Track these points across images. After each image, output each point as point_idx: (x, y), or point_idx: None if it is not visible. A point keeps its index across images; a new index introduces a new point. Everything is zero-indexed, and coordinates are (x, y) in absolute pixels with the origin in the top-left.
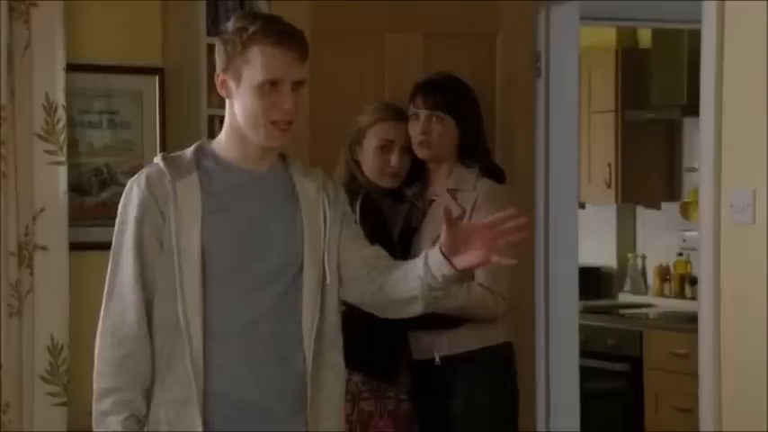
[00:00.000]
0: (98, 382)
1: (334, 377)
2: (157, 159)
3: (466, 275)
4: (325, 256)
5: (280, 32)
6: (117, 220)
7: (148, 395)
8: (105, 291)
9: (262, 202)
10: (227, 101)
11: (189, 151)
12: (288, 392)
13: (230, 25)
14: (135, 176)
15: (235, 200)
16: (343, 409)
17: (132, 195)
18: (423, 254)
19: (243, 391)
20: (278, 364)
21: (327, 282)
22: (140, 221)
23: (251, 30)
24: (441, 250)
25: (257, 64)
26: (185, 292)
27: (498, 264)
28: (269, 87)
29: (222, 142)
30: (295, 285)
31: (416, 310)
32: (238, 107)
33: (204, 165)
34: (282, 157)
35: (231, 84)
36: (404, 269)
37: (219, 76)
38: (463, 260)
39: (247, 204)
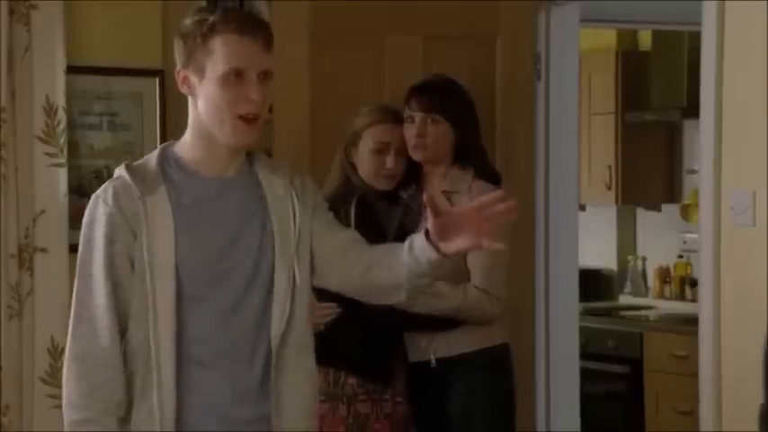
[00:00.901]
0: (69, 414)
1: (303, 382)
2: (121, 171)
3: (458, 273)
4: (295, 259)
5: (242, 20)
6: (82, 235)
7: (124, 422)
8: (72, 314)
9: (232, 213)
10: (189, 99)
11: (153, 159)
12: (254, 397)
13: (188, 19)
14: (99, 191)
15: (206, 213)
16: (314, 414)
17: (98, 212)
18: (407, 241)
19: (222, 410)
20: (248, 371)
21: (297, 284)
22: (110, 240)
23: (211, 20)
24: (426, 236)
25: (220, 54)
26: (158, 314)
27: (490, 248)
28: (234, 78)
29: (187, 144)
30: (268, 291)
31: (400, 297)
32: (202, 103)
33: (170, 175)
34: (248, 154)
35: (193, 79)
36: (387, 256)
37: (180, 73)
38: (452, 246)
39: (219, 217)
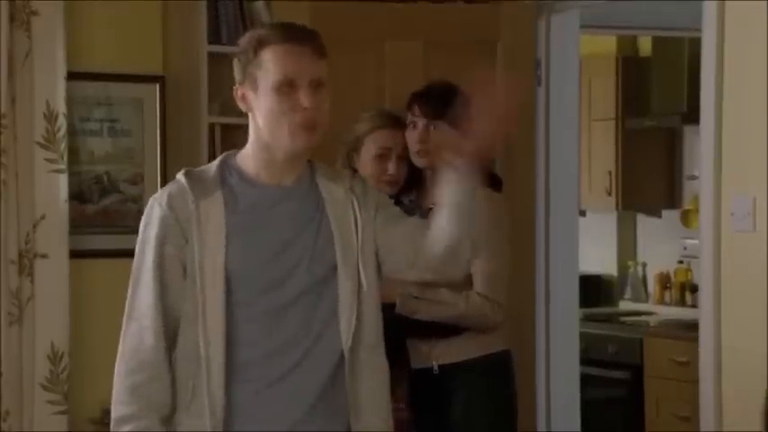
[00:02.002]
0: (114, 410)
1: (379, 383)
2: (180, 176)
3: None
4: (360, 264)
5: (289, 30)
6: (138, 239)
7: (169, 422)
8: (126, 311)
9: (288, 221)
10: (249, 115)
11: (213, 166)
12: (308, 400)
13: (242, 38)
14: (157, 194)
15: (260, 220)
16: (389, 411)
17: (153, 214)
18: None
19: (272, 414)
20: (308, 383)
21: (364, 289)
22: (162, 241)
23: (261, 34)
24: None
25: (270, 65)
26: (207, 318)
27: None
28: (286, 87)
29: (248, 156)
30: (329, 300)
31: (465, 252)
32: (260, 116)
33: (228, 181)
34: (309, 163)
35: (249, 94)
36: (434, 222)
37: (237, 91)
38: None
39: (273, 224)
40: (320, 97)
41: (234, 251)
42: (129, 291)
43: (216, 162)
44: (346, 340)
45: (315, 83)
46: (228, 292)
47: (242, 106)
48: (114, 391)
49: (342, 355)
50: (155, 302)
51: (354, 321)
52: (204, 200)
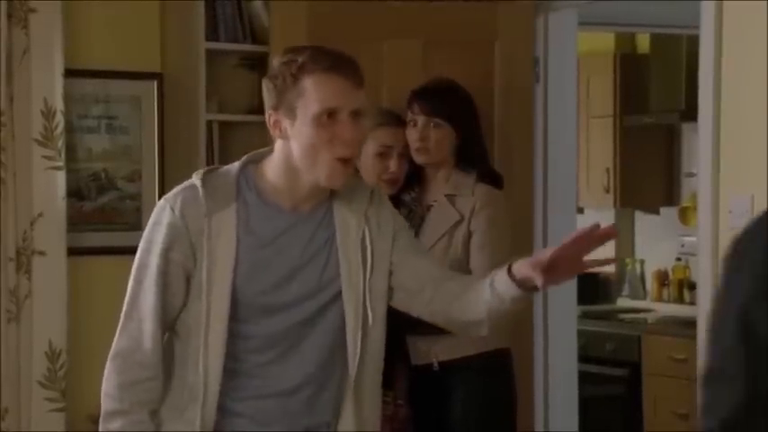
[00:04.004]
0: (105, 404)
1: (373, 415)
2: (197, 180)
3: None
4: (367, 299)
5: (333, 59)
6: (144, 235)
7: (156, 417)
8: (125, 308)
9: (299, 248)
10: (278, 141)
11: (233, 173)
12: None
13: (276, 61)
14: (170, 195)
15: (271, 243)
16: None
17: (164, 216)
18: (489, 278)
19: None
20: (300, 400)
21: (369, 323)
22: (169, 247)
23: (300, 60)
24: (508, 273)
25: (312, 94)
26: (210, 334)
27: (596, 264)
28: (326, 118)
29: (271, 172)
30: (332, 331)
31: (481, 332)
32: (296, 145)
33: (244, 195)
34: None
35: (285, 122)
36: (467, 292)
37: (271, 116)
38: (556, 280)
39: (284, 249)
40: (360, 128)
41: (242, 271)
42: (131, 288)
43: (236, 168)
44: (352, 370)
45: (355, 113)
46: (233, 310)
47: (274, 133)
48: (105, 385)
49: (340, 385)
50: (156, 307)
51: (359, 353)
52: (217, 213)
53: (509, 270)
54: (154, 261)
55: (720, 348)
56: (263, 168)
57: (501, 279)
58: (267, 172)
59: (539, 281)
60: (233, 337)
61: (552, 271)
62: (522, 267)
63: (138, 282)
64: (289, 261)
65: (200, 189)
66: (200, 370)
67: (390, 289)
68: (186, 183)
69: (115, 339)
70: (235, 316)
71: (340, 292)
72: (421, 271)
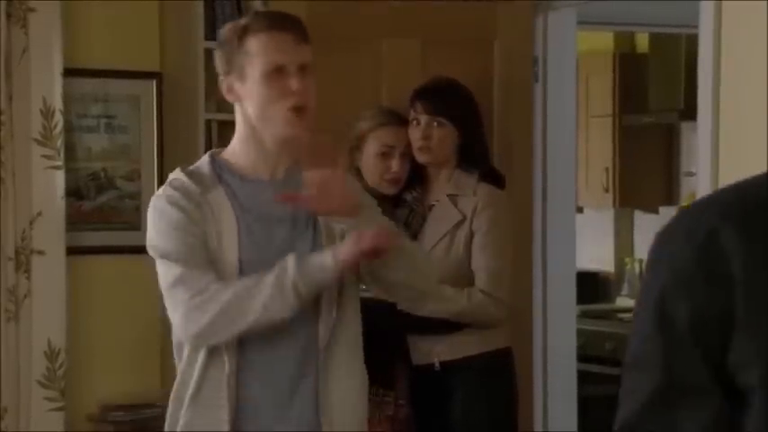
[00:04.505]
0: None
1: (355, 385)
2: (177, 173)
3: (462, 276)
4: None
5: (273, 18)
6: (152, 230)
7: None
8: (166, 289)
9: (286, 216)
10: (235, 106)
11: (204, 164)
12: (296, 396)
13: (224, 29)
14: (159, 191)
15: (263, 216)
16: (365, 421)
17: (163, 203)
18: None
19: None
20: (296, 376)
21: (344, 283)
22: (184, 223)
23: (243, 23)
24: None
25: (256, 53)
26: None
27: None
28: (275, 74)
29: (235, 151)
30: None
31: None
32: (249, 105)
33: (224, 178)
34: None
35: (237, 84)
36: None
37: (224, 82)
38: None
39: (274, 220)
40: (308, 81)
41: (244, 244)
42: (169, 278)
43: (205, 160)
44: (324, 336)
45: (302, 67)
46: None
47: (229, 97)
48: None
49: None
50: (203, 270)
51: (334, 315)
52: (210, 193)
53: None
54: (175, 244)
55: (640, 336)
56: (228, 152)
57: None
58: (233, 153)
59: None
60: None
61: None
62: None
63: (167, 267)
64: (283, 228)
65: (185, 177)
66: (223, 350)
67: None
68: (168, 180)
69: (178, 308)
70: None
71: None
72: None
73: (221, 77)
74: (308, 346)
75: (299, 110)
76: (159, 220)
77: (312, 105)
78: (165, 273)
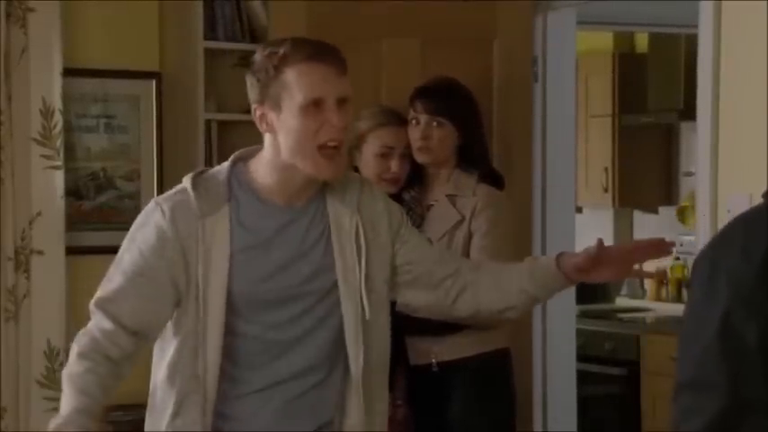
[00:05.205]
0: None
1: (380, 411)
2: (188, 184)
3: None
4: (363, 292)
5: (313, 47)
6: (129, 233)
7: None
8: (101, 292)
9: (293, 243)
10: (266, 135)
11: (223, 173)
12: (304, 418)
13: (257, 55)
14: (161, 198)
15: (265, 239)
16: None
17: (153, 218)
18: (524, 266)
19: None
20: (299, 397)
21: (367, 317)
22: (152, 252)
23: (281, 51)
24: (557, 265)
25: (296, 85)
26: (207, 337)
27: (642, 276)
28: (313, 108)
29: (262, 169)
30: (332, 325)
31: (513, 316)
32: (283, 137)
33: (237, 194)
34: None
35: (271, 115)
36: (495, 280)
37: (256, 111)
38: (600, 276)
39: (278, 245)
40: (347, 116)
41: (237, 270)
42: (110, 277)
43: (226, 168)
44: (355, 367)
45: (342, 101)
46: (229, 308)
47: (261, 127)
48: (71, 354)
49: (343, 382)
50: (132, 309)
51: (362, 347)
52: (211, 216)
53: (557, 262)
54: (133, 259)
55: (700, 355)
56: (254, 166)
57: (547, 270)
58: (258, 169)
59: (596, 276)
60: (231, 335)
61: (598, 267)
62: (570, 259)
63: (112, 277)
64: (285, 256)
65: (192, 192)
66: (199, 370)
67: (402, 286)
68: (177, 187)
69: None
70: (232, 313)
71: (337, 287)
72: (428, 266)
73: (254, 106)
74: (337, 377)
75: (332, 147)
76: (139, 228)
77: (345, 140)
78: (109, 272)
